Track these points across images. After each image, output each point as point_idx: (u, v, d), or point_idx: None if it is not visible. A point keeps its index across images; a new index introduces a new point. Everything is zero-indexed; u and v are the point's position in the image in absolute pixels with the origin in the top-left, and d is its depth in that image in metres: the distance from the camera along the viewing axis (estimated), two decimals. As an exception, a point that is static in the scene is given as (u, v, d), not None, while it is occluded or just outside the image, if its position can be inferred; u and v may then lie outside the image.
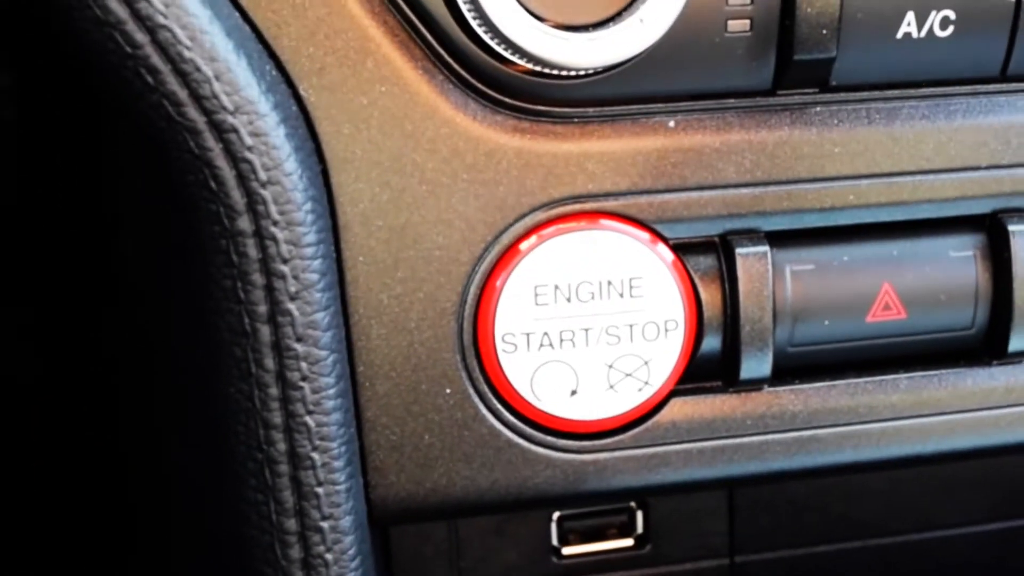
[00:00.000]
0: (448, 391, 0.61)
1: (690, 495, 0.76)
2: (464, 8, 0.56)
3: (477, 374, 0.62)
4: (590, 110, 0.60)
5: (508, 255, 0.61)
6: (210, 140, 0.53)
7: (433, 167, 0.58)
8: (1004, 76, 0.64)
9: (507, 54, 0.57)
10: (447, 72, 0.58)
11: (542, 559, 0.77)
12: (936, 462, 0.69)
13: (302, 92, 0.56)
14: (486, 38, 0.56)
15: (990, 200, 0.66)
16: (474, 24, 0.56)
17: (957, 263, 0.66)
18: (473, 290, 0.61)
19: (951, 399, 0.68)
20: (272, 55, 0.56)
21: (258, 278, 0.55)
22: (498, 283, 0.61)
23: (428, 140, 0.58)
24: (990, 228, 0.66)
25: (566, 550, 0.77)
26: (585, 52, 0.56)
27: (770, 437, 0.66)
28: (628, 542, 0.77)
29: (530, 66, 0.57)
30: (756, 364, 0.64)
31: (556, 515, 0.76)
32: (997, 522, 0.82)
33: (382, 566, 0.65)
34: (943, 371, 0.68)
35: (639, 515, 0.78)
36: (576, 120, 0.60)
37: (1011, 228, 0.65)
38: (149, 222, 0.62)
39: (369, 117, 0.57)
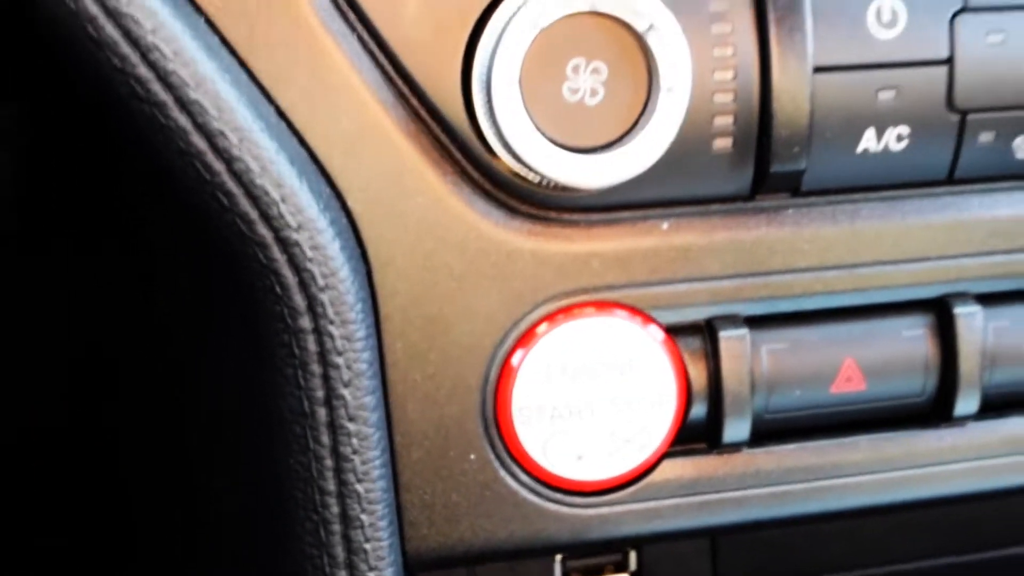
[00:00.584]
0: (472, 456, 0.71)
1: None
2: (488, 133, 0.65)
3: (497, 442, 0.71)
4: (594, 215, 0.70)
5: (524, 339, 0.70)
6: (276, 253, 0.62)
7: (460, 266, 0.67)
8: (951, 180, 0.74)
9: (524, 172, 0.66)
10: (472, 185, 0.67)
11: None
12: (893, 511, 0.79)
13: (350, 205, 0.65)
14: (506, 159, 0.66)
15: (938, 286, 0.76)
16: (496, 147, 0.65)
17: (910, 340, 0.75)
18: (494, 370, 0.70)
19: (905, 457, 0.77)
20: (325, 175, 0.65)
21: (316, 368, 0.64)
22: (515, 363, 0.70)
23: (456, 243, 0.67)
24: (938, 310, 0.76)
25: None
26: (592, 173, 0.65)
27: (749, 492, 0.75)
28: None
29: (544, 182, 0.67)
30: (737, 429, 0.73)
31: (559, 556, 0.85)
32: (945, 556, 0.92)
33: None
34: (898, 433, 0.77)
35: (632, 554, 0.87)
36: (582, 224, 0.70)
37: (956, 311, 0.75)
38: (213, 318, 0.71)
39: (406, 225, 0.66)
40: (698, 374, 0.73)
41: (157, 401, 0.88)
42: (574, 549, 0.78)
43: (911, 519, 0.87)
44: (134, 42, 0.59)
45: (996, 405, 0.78)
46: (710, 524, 0.75)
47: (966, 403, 0.76)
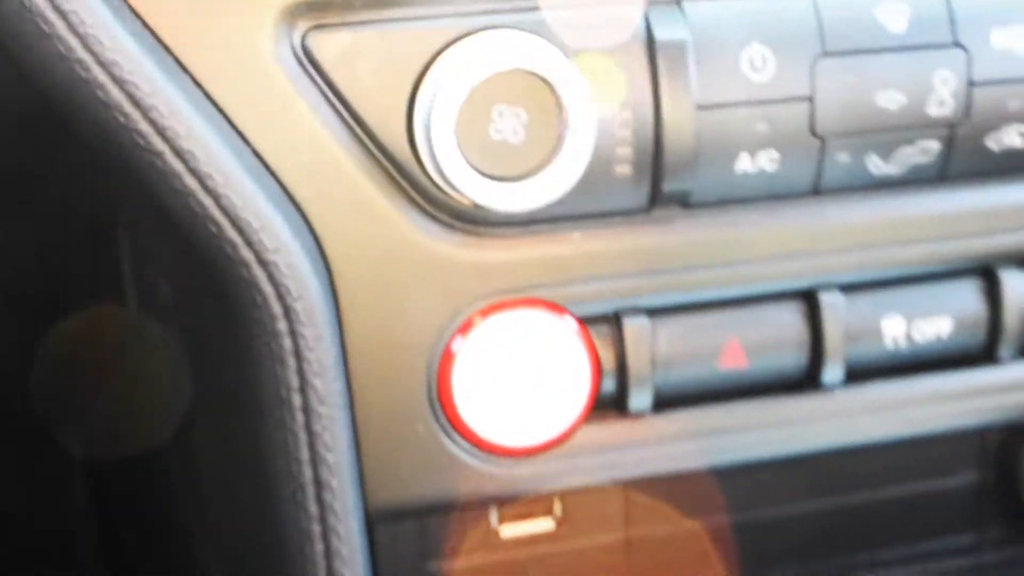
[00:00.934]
0: (420, 428, 0.84)
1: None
2: (429, 168, 0.79)
3: (441, 415, 0.83)
4: (518, 229, 0.83)
5: (462, 330, 0.83)
6: (257, 271, 0.76)
7: (408, 275, 0.81)
8: (816, 192, 0.88)
9: (459, 198, 0.80)
10: (417, 208, 0.80)
11: (486, 536, 1.00)
12: (773, 466, 0.94)
13: (316, 230, 0.79)
14: (445, 188, 0.80)
15: (807, 278, 0.89)
16: (436, 179, 0.79)
17: (784, 324, 0.88)
18: (437, 356, 0.82)
19: (783, 420, 0.90)
20: (296, 205, 0.78)
21: (291, 362, 0.78)
22: (454, 350, 0.84)
23: (404, 256, 0.80)
24: (807, 298, 0.90)
25: (504, 529, 1.00)
26: (515, 198, 0.78)
27: (651, 451, 0.88)
28: (550, 521, 1.01)
29: (475, 206, 0.81)
30: (640, 400, 0.86)
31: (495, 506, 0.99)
32: (813, 500, 1.06)
33: (370, 553, 0.88)
34: (776, 400, 0.90)
35: (556, 502, 1.01)
36: (509, 236, 0.83)
37: (821, 298, 0.89)
38: (208, 321, 0.84)
39: (362, 244, 0.79)
40: (607, 356, 0.86)
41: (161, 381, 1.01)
42: (507, 501, 0.93)
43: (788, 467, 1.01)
44: (136, 103, 0.72)
45: (858, 374, 0.92)
46: (619, 478, 0.90)
47: (832, 374, 0.90)
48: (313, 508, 0.80)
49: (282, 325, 0.77)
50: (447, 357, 0.83)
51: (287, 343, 0.77)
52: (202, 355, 0.87)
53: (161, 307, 0.95)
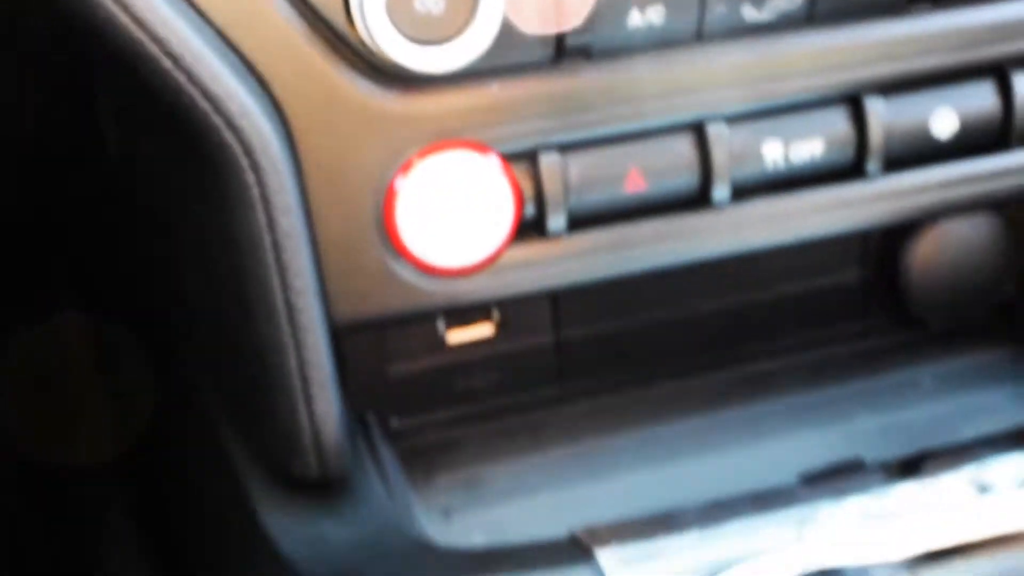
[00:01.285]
0: (373, 254, 0.99)
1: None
2: (364, 35, 0.92)
3: (388, 243, 0.96)
4: (446, 83, 0.96)
5: (402, 169, 0.94)
6: (227, 133, 0.89)
7: (353, 127, 0.92)
8: (699, 38, 1.03)
9: (392, 59, 0.94)
10: (357, 70, 0.92)
11: (435, 342, 1.16)
12: (679, 273, 1.07)
13: (275, 93, 0.92)
14: (378, 51, 0.93)
15: (696, 112, 0.99)
16: (370, 44, 0.93)
17: (677, 151, 1.00)
18: (382, 193, 0.94)
19: (682, 232, 1.02)
20: (256, 74, 0.92)
21: (260, 206, 0.92)
22: (397, 186, 0.98)
23: (350, 111, 0.91)
24: (696, 129, 1.01)
25: (450, 336, 1.17)
26: (438, 60, 0.92)
27: (568, 265, 1.01)
28: (489, 327, 1.16)
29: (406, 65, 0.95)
30: (557, 223, 0.98)
31: (441, 317, 1.15)
32: (718, 299, 1.21)
33: (339, 361, 1.04)
34: (674, 216, 1.02)
35: (495, 310, 1.17)
36: (438, 90, 0.96)
37: (709, 129, 1.00)
38: (190, 173, 0.99)
39: (313, 103, 0.91)
40: (527, 186, 0.98)
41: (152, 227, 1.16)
42: (451, 310, 1.09)
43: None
44: (124, 6, 0.86)
45: (744, 192, 1.05)
46: (543, 287, 1.03)
47: (721, 193, 1.02)
48: (285, 326, 0.96)
49: (250, 176, 0.91)
50: (391, 194, 0.95)
51: (255, 191, 0.92)
52: (184, 204, 1.02)
53: (143, 159, 1.10)
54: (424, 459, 1.14)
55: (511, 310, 1.12)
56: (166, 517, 1.35)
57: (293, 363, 0.96)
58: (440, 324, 1.07)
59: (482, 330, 1.13)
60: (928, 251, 1.21)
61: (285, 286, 0.94)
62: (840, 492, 1.00)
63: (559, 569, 0.92)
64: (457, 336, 1.10)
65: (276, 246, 0.93)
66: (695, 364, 1.22)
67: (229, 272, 0.95)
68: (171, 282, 1.10)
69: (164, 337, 1.18)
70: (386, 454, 1.11)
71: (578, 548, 0.94)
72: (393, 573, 0.95)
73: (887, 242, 1.21)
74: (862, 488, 1.01)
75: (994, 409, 1.23)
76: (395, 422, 1.14)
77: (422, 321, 1.09)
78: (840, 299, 1.24)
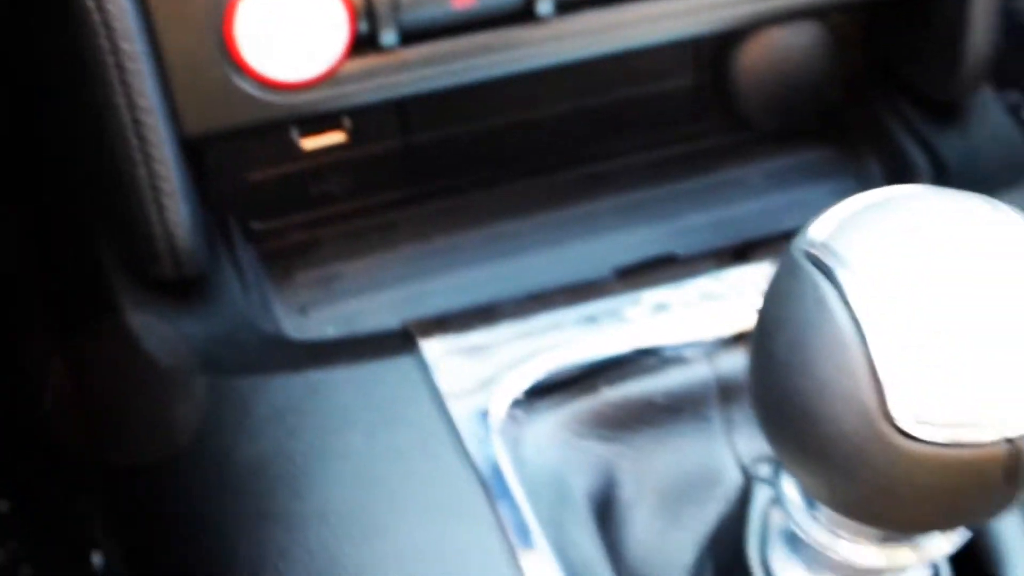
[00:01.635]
0: (215, 71, 1.06)
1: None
2: None
3: (230, 59, 1.02)
4: None
5: None
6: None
7: None
8: None
9: None
10: None
11: (291, 149, 1.24)
12: (519, 80, 1.14)
13: None
14: None
15: None
16: None
17: None
18: (221, 13, 1.02)
19: (511, 43, 1.09)
20: None
21: (102, 31, 0.99)
22: (235, 3, 1.04)
23: None
24: None
25: (305, 143, 1.24)
26: None
27: (402, 76, 1.07)
28: (341, 135, 1.22)
29: None
30: (389, 37, 1.04)
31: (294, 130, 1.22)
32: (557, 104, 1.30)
33: (195, 171, 1.12)
34: (502, 29, 1.09)
35: (346, 119, 1.24)
36: None
37: None
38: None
39: None
40: (360, 2, 1.05)
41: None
42: (298, 121, 1.17)
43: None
44: None
45: (569, 6, 1.12)
46: (380, 98, 1.10)
47: (544, 7, 1.09)
48: (134, 141, 1.04)
49: (91, 3, 0.98)
50: (230, 10, 0.99)
51: (96, 16, 0.99)
52: (43, 40, 1.09)
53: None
54: (284, 260, 1.23)
55: (361, 118, 1.19)
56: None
57: (143, 175, 1.04)
58: (294, 132, 1.14)
59: (334, 137, 1.21)
60: (754, 57, 1.29)
61: (131, 105, 1.01)
62: (653, 284, 1.10)
63: (387, 358, 1.03)
64: (311, 143, 1.16)
65: (120, 68, 1.00)
66: (539, 166, 1.30)
67: (86, 97, 1.03)
68: (55, 114, 1.17)
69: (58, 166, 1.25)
70: (246, 256, 1.20)
71: (407, 339, 1.04)
72: (241, 363, 1.05)
73: (718, 50, 1.29)
74: (673, 279, 1.11)
75: (816, 203, 1.33)
76: (256, 225, 1.23)
77: (274, 131, 1.16)
78: (677, 103, 1.32)
